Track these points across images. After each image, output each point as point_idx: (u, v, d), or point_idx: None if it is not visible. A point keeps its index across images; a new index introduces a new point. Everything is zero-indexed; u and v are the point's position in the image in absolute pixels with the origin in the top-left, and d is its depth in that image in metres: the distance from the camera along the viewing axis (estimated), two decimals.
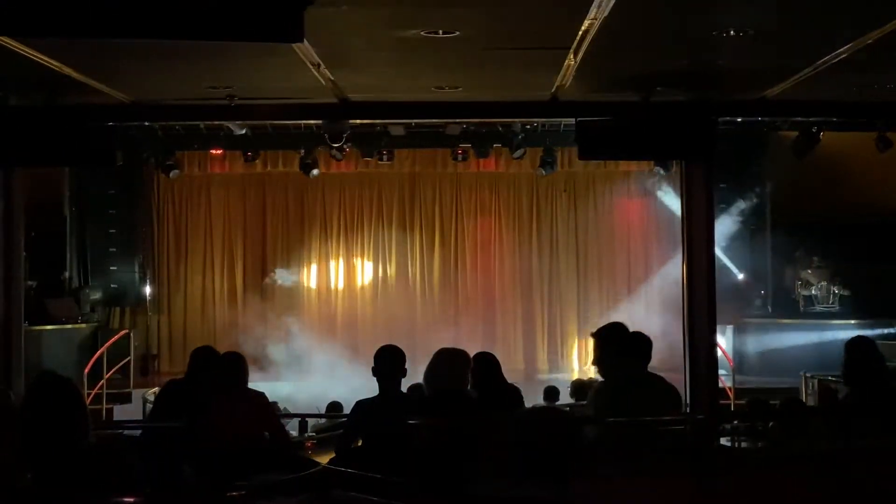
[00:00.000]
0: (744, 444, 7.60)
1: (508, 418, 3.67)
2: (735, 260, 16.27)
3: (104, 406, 13.05)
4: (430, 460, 5.19)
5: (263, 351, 16.77)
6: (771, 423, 7.63)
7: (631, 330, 6.15)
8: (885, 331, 14.38)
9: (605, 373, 6.03)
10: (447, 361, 6.02)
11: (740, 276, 16.23)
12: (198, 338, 16.95)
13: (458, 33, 6.29)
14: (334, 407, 10.46)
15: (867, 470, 5.02)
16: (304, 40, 6.08)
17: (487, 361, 6.74)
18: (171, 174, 15.95)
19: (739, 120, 11.44)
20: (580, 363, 17.10)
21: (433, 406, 5.86)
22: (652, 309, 16.59)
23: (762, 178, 16.55)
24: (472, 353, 6.36)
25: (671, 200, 16.24)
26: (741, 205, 16.45)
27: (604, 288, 17.81)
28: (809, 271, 15.97)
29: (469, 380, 6.04)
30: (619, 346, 5.94)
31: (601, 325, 6.36)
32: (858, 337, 6.65)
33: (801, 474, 5.09)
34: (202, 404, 6.76)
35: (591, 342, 6.29)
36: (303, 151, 15.45)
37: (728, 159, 14.25)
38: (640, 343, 6.00)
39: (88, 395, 12.47)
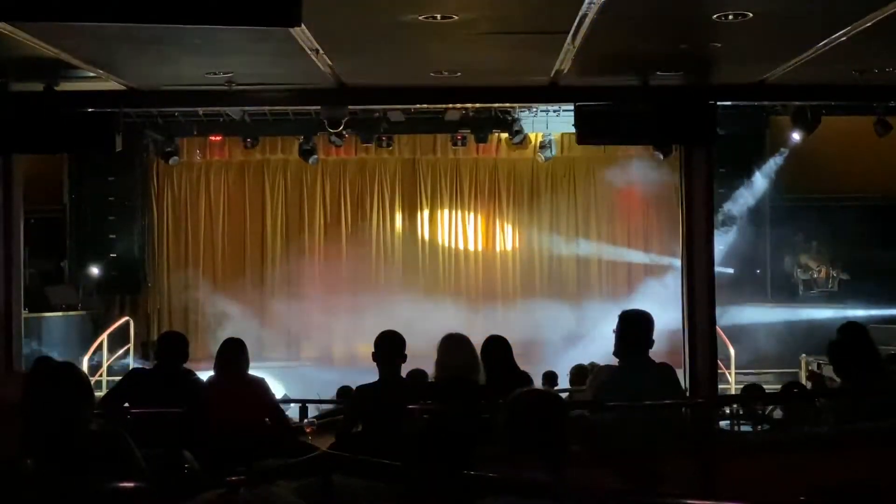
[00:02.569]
0: (743, 428, 7.64)
1: (502, 401, 3.66)
2: (732, 247, 16.19)
3: (104, 393, 13.06)
4: (431, 444, 5.21)
5: (265, 337, 16.80)
6: (771, 407, 7.67)
7: None
8: (884, 312, 14.39)
9: (620, 355, 5.88)
10: (460, 347, 6.01)
11: (730, 271, 16.06)
12: (198, 324, 16.98)
13: (456, 18, 6.28)
14: (345, 391, 10.43)
15: (865, 452, 5.04)
16: (302, 25, 6.07)
17: (500, 345, 6.71)
18: (170, 161, 15.93)
19: (734, 104, 11.41)
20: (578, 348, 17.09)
21: (439, 391, 5.86)
22: (652, 294, 16.59)
23: (761, 162, 16.51)
24: (473, 338, 6.34)
25: None
26: (740, 189, 16.40)
27: (603, 273, 17.81)
28: (809, 255, 15.95)
29: (480, 365, 5.99)
30: (640, 334, 5.82)
31: (600, 310, 6.34)
32: (849, 322, 6.66)
33: (801, 457, 5.11)
34: (198, 389, 6.77)
35: (589, 327, 6.28)
36: (302, 137, 15.44)
37: (727, 143, 14.21)
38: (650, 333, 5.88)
39: None
